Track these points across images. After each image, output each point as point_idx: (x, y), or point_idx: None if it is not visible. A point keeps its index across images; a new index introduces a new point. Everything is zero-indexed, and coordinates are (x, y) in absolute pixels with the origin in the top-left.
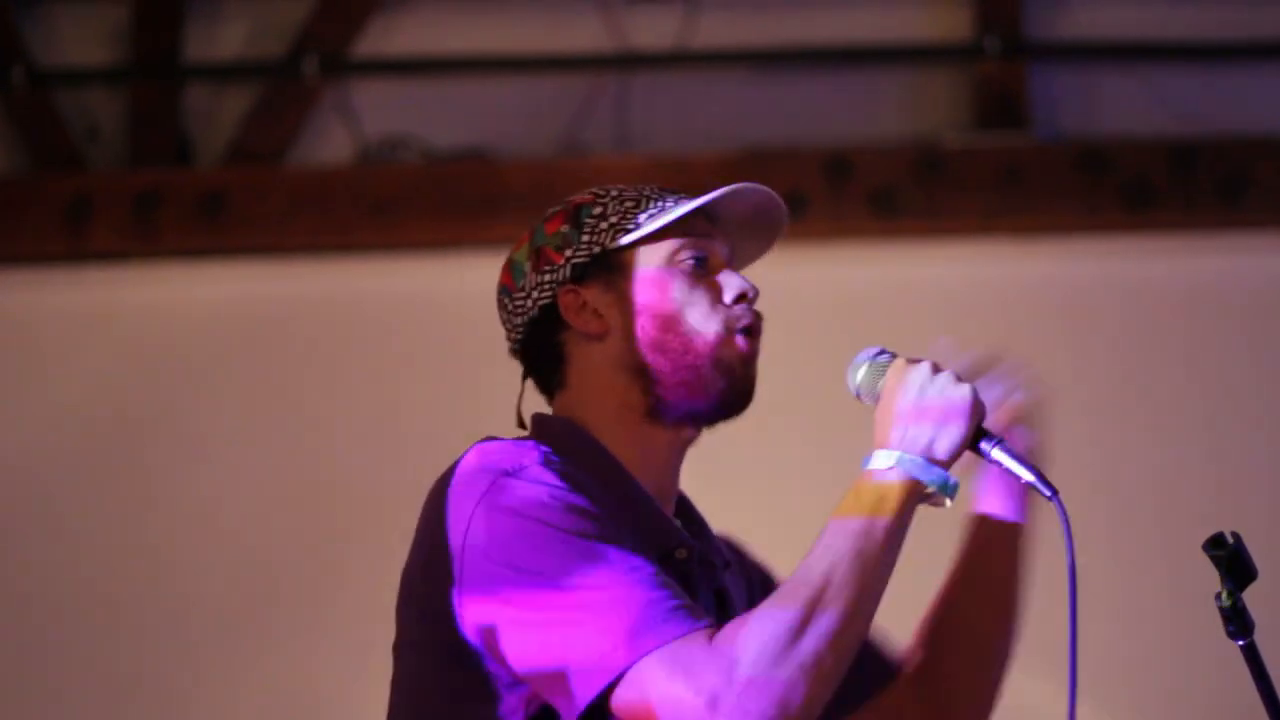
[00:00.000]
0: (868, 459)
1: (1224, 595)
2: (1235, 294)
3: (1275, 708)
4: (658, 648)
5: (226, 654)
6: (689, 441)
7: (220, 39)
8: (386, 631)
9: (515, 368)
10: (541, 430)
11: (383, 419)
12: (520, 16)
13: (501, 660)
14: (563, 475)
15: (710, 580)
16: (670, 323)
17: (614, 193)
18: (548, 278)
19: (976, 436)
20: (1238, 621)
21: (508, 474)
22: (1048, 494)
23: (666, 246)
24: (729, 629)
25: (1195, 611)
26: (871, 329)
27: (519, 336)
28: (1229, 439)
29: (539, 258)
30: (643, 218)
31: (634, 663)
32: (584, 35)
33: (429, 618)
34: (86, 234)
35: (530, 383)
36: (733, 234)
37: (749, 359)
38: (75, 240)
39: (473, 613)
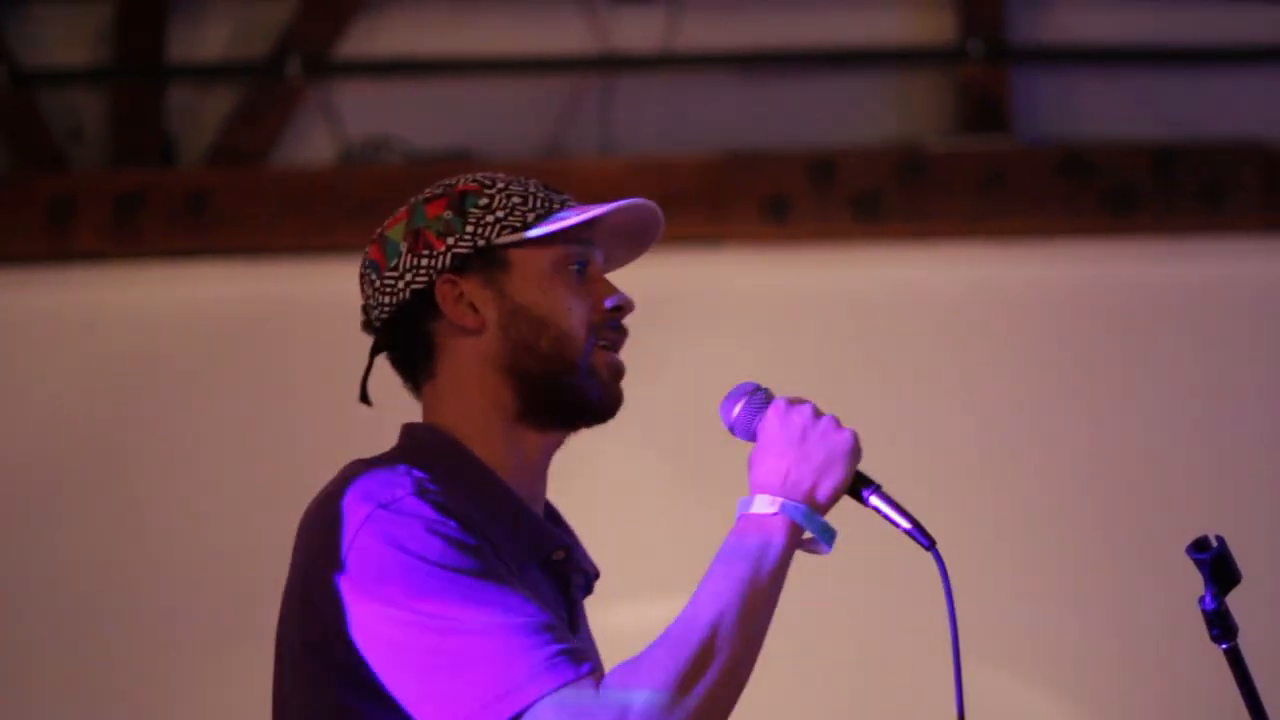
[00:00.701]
0: (747, 501)
1: (1208, 599)
2: (1217, 298)
3: (1259, 711)
4: (546, 694)
5: (208, 658)
6: (557, 444)
7: (203, 39)
8: None
9: None
10: (410, 443)
11: (367, 421)
12: (504, 18)
13: (379, 698)
14: (437, 506)
15: (584, 583)
16: (545, 326)
17: (500, 184)
18: (425, 263)
19: (856, 482)
20: (1221, 625)
21: (383, 506)
22: (925, 544)
23: (550, 249)
24: (617, 674)
25: (1179, 615)
26: (854, 332)
27: (384, 316)
28: (1212, 441)
29: (417, 240)
30: (530, 216)
31: (522, 711)
32: (568, 37)
33: (308, 648)
34: (69, 234)
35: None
36: (607, 239)
37: (619, 370)
38: (58, 240)
39: (349, 650)
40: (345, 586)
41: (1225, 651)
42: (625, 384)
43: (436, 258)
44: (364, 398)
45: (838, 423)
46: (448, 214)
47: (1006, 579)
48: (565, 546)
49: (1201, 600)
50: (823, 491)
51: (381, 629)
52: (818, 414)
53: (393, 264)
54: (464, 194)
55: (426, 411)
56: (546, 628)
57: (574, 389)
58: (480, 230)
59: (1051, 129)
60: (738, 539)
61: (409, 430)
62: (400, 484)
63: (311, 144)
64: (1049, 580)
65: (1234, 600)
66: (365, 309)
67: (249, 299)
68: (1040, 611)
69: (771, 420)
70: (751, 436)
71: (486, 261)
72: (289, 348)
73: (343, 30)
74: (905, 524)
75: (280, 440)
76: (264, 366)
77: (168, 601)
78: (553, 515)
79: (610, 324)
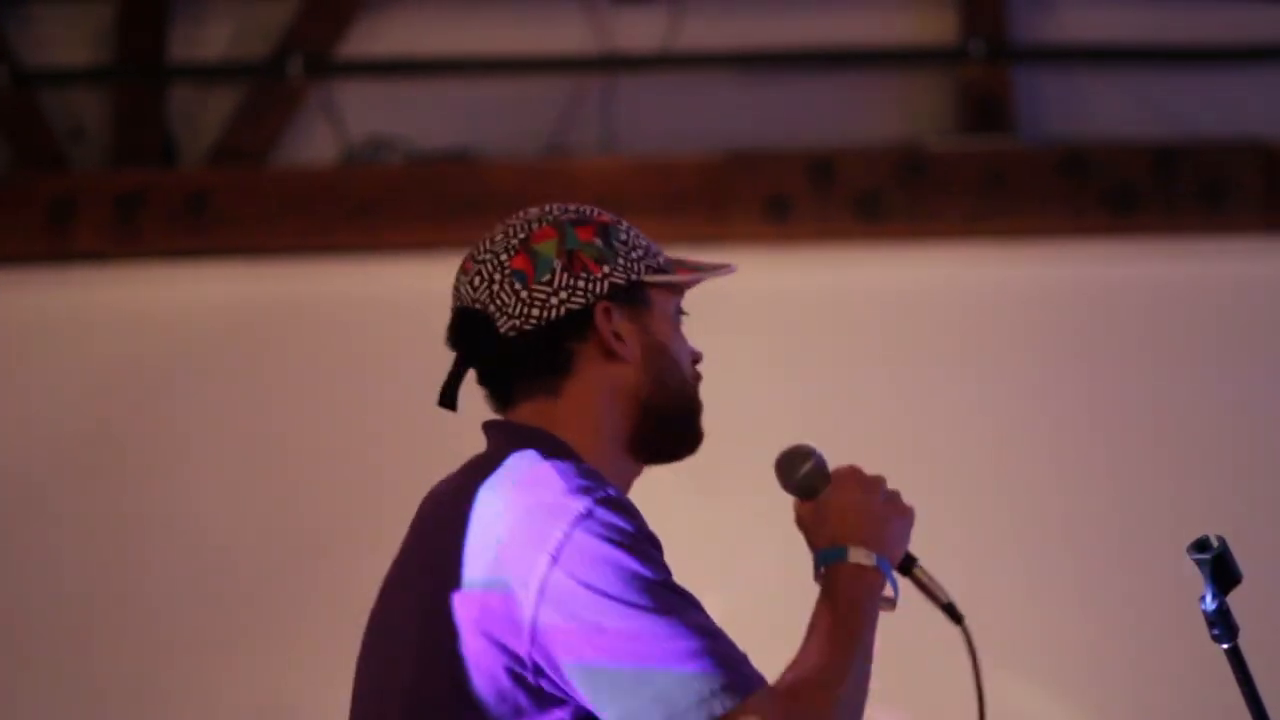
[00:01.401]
0: (838, 552)
1: (1209, 599)
2: (1217, 297)
3: (1260, 711)
4: (751, 694)
5: (205, 657)
6: (638, 475)
7: (205, 39)
8: (351, 642)
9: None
10: (548, 446)
11: (366, 421)
12: (505, 18)
13: (558, 685)
14: (635, 510)
15: None
16: (677, 366)
17: (624, 223)
18: (583, 284)
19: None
20: (1222, 625)
21: (600, 503)
22: (956, 620)
23: (673, 296)
24: (786, 701)
25: (1180, 615)
26: (855, 332)
27: (526, 327)
28: (1214, 439)
29: (573, 261)
30: (660, 259)
31: (730, 710)
32: (569, 37)
33: (488, 637)
34: (70, 234)
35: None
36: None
37: (701, 411)
38: (58, 240)
39: (548, 635)
40: (560, 575)
41: (1226, 651)
42: None
43: (595, 282)
44: (450, 403)
45: (899, 497)
46: (599, 242)
47: (1011, 580)
48: None
49: (1202, 600)
50: (896, 555)
51: (594, 620)
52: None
53: (545, 279)
54: (606, 225)
55: (535, 421)
56: (726, 636)
57: (689, 426)
58: (630, 265)
59: (1053, 129)
60: (847, 585)
61: (528, 432)
62: (606, 483)
63: (312, 144)
64: (1057, 580)
65: (1242, 600)
66: (482, 314)
67: (249, 299)
68: (1052, 612)
69: (851, 484)
70: (809, 494)
71: (632, 296)
72: (289, 348)
73: (344, 30)
74: (947, 598)
75: (279, 439)
76: (264, 366)
77: (172, 597)
78: None
79: (696, 372)
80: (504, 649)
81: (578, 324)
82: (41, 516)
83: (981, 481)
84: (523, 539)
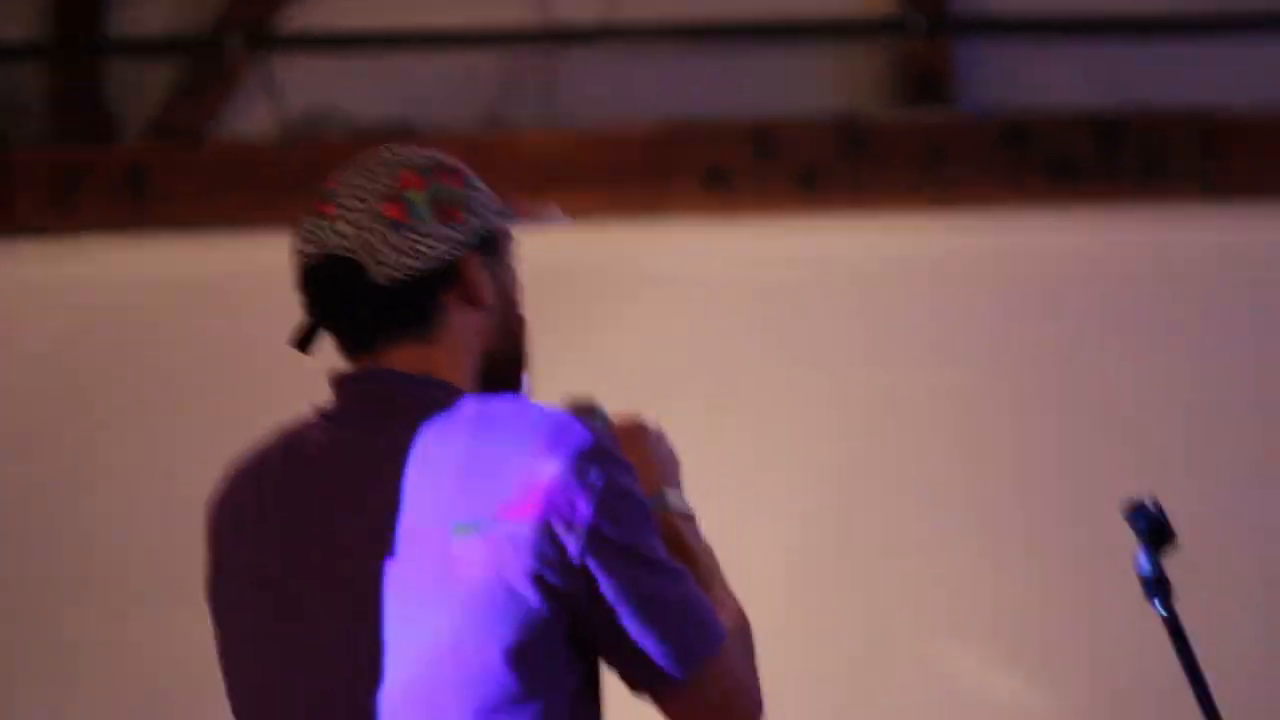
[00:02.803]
0: (678, 499)
1: (1143, 560)
2: (1159, 266)
3: (1195, 672)
4: (725, 635)
5: (160, 618)
6: None
7: (143, 14)
8: None
9: None
10: (454, 397)
11: (306, 395)
12: None
13: (593, 628)
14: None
15: None
16: (514, 310)
17: (466, 169)
18: (455, 235)
19: None
20: (1158, 587)
21: (608, 453)
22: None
23: (510, 240)
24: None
25: (1114, 577)
26: (796, 304)
27: (400, 277)
28: (1153, 406)
29: (443, 210)
30: (504, 207)
31: (718, 646)
32: (509, 9)
33: (507, 590)
34: (9, 209)
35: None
36: None
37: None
38: None
39: (589, 577)
40: (606, 524)
41: (1161, 614)
42: (567, 352)
43: (462, 232)
44: (304, 346)
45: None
46: (461, 190)
47: (964, 540)
48: None
49: (1136, 561)
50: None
51: (630, 567)
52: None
53: (420, 228)
54: (464, 174)
55: (415, 368)
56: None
57: (515, 369)
58: (488, 214)
59: (993, 99)
60: (694, 533)
61: (431, 382)
62: (599, 432)
63: (252, 118)
64: (1006, 541)
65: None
66: (353, 261)
67: (191, 274)
68: (1002, 570)
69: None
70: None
71: (489, 244)
72: (231, 323)
73: (282, 4)
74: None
75: (219, 414)
76: (204, 342)
77: (122, 571)
78: None
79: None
80: (551, 591)
81: (448, 273)
82: None
83: (920, 445)
84: (565, 481)
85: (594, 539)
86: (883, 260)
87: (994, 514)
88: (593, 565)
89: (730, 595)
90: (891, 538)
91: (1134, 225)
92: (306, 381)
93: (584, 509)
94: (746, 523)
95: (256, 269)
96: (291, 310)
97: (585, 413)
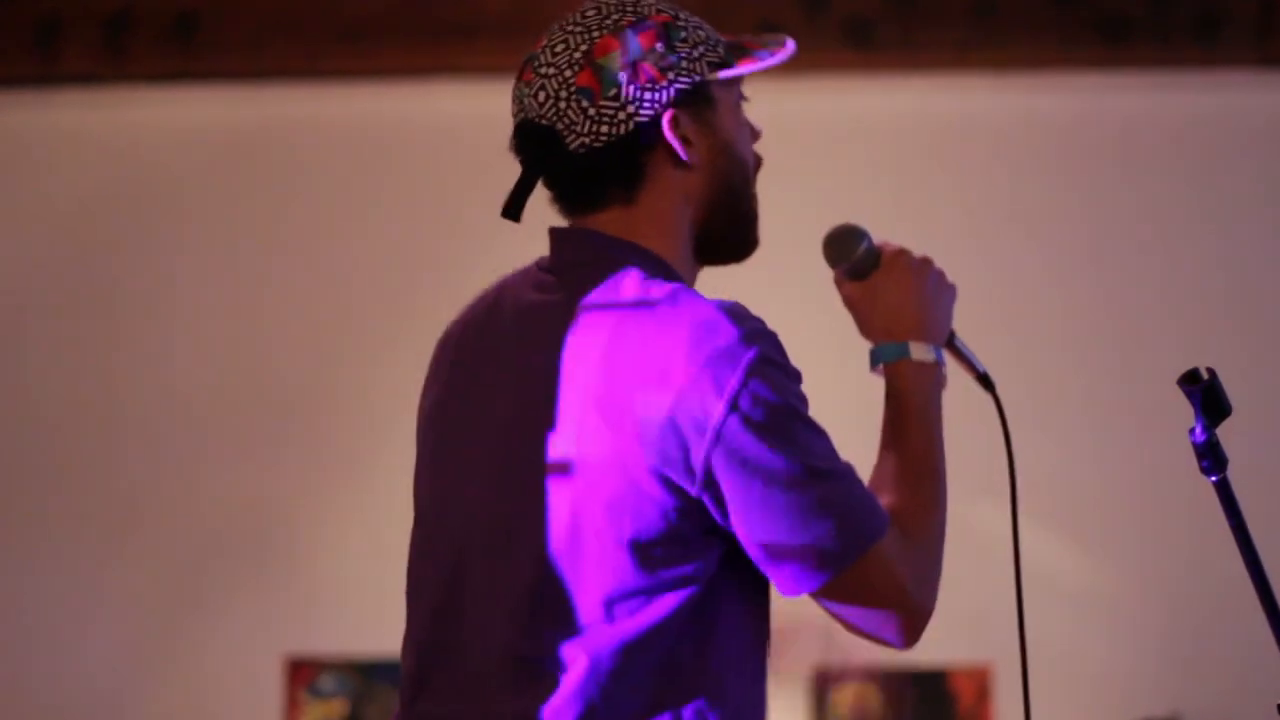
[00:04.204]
0: (901, 348)
1: (1199, 430)
2: (1209, 129)
3: (1247, 542)
4: (885, 529)
5: (193, 460)
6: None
7: None
8: (334, 455)
9: (488, 198)
10: (650, 263)
11: (352, 246)
12: None
13: (719, 529)
14: (783, 347)
15: None
16: (742, 165)
17: (683, 15)
18: (649, 95)
19: None
20: (1211, 457)
21: (770, 349)
22: (990, 389)
23: (735, 86)
24: (904, 526)
25: (1168, 447)
26: (846, 161)
27: (597, 144)
28: (1209, 272)
29: (638, 72)
30: (721, 50)
31: (883, 535)
32: None
33: (655, 475)
34: (56, 56)
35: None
36: None
37: (757, 217)
38: (44, 62)
39: (720, 480)
40: (732, 427)
41: (1215, 484)
42: None
43: (660, 91)
44: (515, 214)
45: (943, 274)
46: (660, 46)
47: (1011, 409)
48: None
49: (1191, 432)
50: (944, 335)
51: (772, 458)
52: (929, 263)
53: (611, 94)
54: (667, 25)
55: (617, 231)
56: (860, 484)
57: (749, 228)
58: (692, 65)
59: None
60: (915, 384)
61: (623, 246)
62: (762, 324)
63: None
64: (1059, 409)
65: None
66: (549, 129)
67: (236, 123)
68: (1053, 443)
69: (902, 268)
70: (859, 275)
71: (698, 98)
72: (277, 172)
73: None
74: (981, 368)
75: (264, 262)
76: (251, 190)
77: (156, 413)
78: None
79: (758, 157)
80: (673, 489)
81: (647, 136)
82: (22, 340)
83: (971, 310)
84: (698, 382)
85: (721, 443)
86: (933, 118)
87: (1041, 382)
88: (718, 469)
89: (927, 482)
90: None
91: (1186, 88)
92: (354, 233)
93: (715, 412)
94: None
95: (303, 120)
96: (340, 163)
97: (847, 237)
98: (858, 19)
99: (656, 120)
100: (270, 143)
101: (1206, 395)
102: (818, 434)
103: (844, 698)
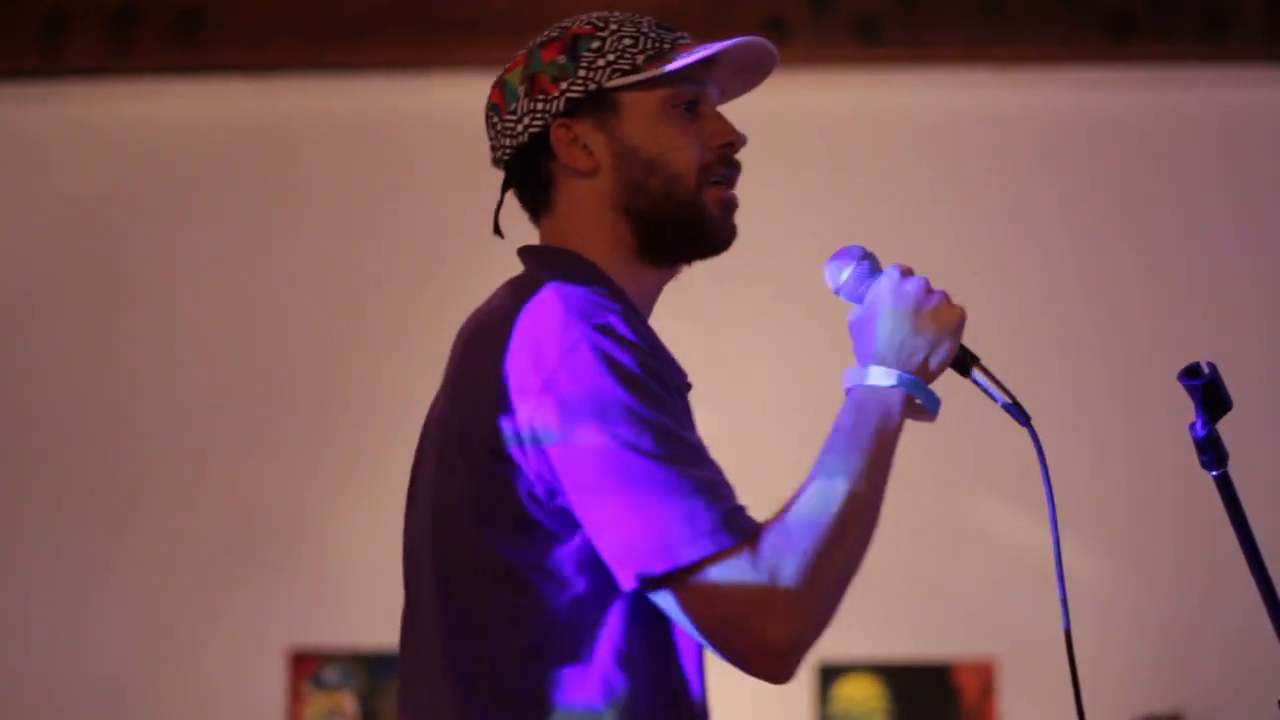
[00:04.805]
0: (862, 372)
1: (1199, 425)
2: (1215, 125)
3: (1248, 537)
4: (708, 556)
5: (190, 462)
6: (670, 277)
7: None
8: (338, 447)
9: (485, 195)
10: (564, 263)
11: (356, 240)
12: None
13: (554, 510)
14: (642, 335)
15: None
16: (654, 167)
17: (613, 26)
18: (540, 106)
19: (961, 356)
20: (1211, 452)
21: (598, 327)
22: (1021, 420)
23: (659, 91)
24: (769, 542)
25: (1169, 443)
26: (852, 156)
27: (505, 158)
28: (1206, 269)
29: (533, 85)
30: (640, 58)
31: (688, 566)
32: None
33: (494, 454)
34: (62, 49)
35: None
36: (722, 74)
37: (730, 204)
38: (51, 55)
39: (541, 459)
40: (551, 400)
41: (1216, 479)
42: None
43: (551, 102)
44: (496, 229)
45: (949, 299)
46: (562, 58)
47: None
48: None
49: (1192, 427)
50: (934, 364)
51: (583, 447)
52: (929, 289)
53: (511, 108)
54: (577, 37)
55: (552, 240)
56: (721, 486)
57: (686, 226)
58: (592, 74)
59: None
60: (858, 410)
61: (551, 253)
62: (610, 306)
63: None
64: (1051, 402)
65: (1233, 428)
66: (491, 149)
67: (239, 116)
68: (1051, 446)
69: (884, 290)
70: (858, 299)
71: (598, 105)
72: (278, 165)
73: None
74: (1003, 399)
75: (265, 254)
76: (252, 183)
77: (158, 404)
78: None
79: (721, 160)
80: (519, 470)
81: (543, 145)
82: (27, 333)
83: (972, 305)
84: (523, 363)
85: (543, 411)
86: (939, 114)
87: (1041, 382)
88: (543, 436)
89: (833, 505)
90: (948, 399)
91: (1192, 83)
92: (358, 228)
93: (536, 379)
94: (797, 376)
95: (304, 113)
96: (344, 156)
97: (839, 261)
98: (865, 16)
99: (547, 130)
100: (274, 136)
101: (1207, 390)
102: (650, 423)
103: (847, 691)
